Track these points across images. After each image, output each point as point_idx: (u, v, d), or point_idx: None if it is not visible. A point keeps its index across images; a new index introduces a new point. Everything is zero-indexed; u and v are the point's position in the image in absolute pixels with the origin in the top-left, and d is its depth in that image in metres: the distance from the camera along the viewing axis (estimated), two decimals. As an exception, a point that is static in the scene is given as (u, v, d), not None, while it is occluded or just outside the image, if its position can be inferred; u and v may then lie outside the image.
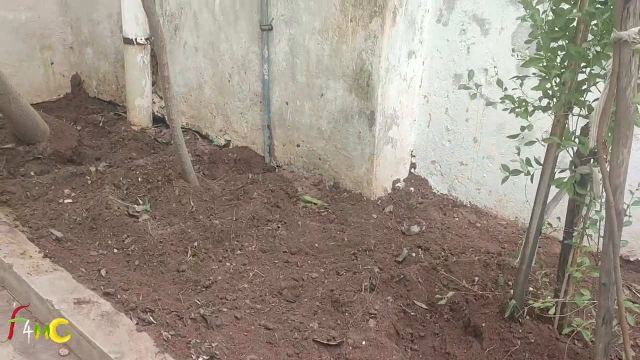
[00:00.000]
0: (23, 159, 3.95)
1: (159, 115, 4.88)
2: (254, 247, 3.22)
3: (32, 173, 3.86)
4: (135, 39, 4.46)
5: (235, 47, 4.01)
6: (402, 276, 2.83)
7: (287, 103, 3.84)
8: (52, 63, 5.29)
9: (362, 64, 3.33)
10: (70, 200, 3.60)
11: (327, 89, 3.57)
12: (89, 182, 3.83)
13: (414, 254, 3.14)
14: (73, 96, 5.53)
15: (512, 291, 2.77)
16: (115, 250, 3.14)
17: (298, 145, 3.90)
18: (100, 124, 4.84)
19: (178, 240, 3.17)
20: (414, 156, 3.79)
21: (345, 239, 3.27)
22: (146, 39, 4.51)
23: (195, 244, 3.15)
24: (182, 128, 4.56)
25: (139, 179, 3.88)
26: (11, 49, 4.98)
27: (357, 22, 3.28)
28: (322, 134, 3.71)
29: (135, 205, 3.59)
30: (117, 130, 4.73)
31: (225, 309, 2.66)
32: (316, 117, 3.70)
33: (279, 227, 3.41)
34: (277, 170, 4.05)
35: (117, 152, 4.39)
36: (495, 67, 3.23)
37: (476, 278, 2.92)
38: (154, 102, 4.83)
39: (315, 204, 3.69)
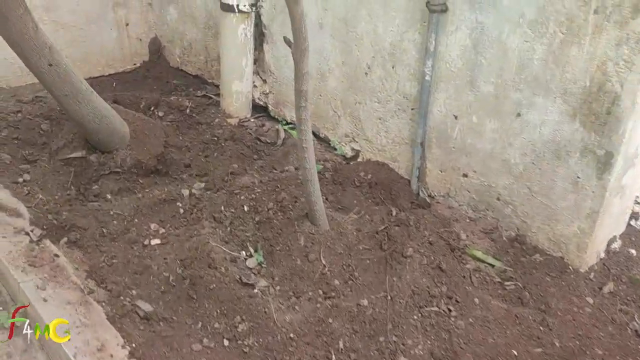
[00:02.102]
0: (96, 173, 3.01)
1: (260, 103, 3.82)
2: (421, 348, 2.22)
3: (108, 195, 2.93)
4: (237, 5, 3.35)
5: (381, 30, 2.85)
6: None
7: (455, 117, 2.71)
8: (127, 24, 4.27)
9: (603, 80, 2.14)
10: (158, 241, 2.67)
11: (529, 108, 2.41)
12: (181, 211, 2.87)
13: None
14: (151, 65, 4.52)
15: None
16: (226, 342, 2.21)
17: (465, 175, 2.79)
18: (187, 110, 3.83)
19: (315, 336, 2.20)
20: (638, 203, 2.62)
21: (557, 344, 2.22)
22: (251, 5, 3.40)
23: (340, 343, 2.18)
24: (291, 124, 3.53)
25: (245, 208, 2.90)
26: (78, 7, 3.98)
27: (605, 16, 2.06)
28: (509, 167, 2.58)
29: (244, 254, 2.63)
30: (208, 121, 3.72)
31: None
32: (503, 144, 2.56)
33: (450, 310, 2.38)
34: (428, 201, 2.96)
35: (210, 157, 3.40)
36: None
37: None
38: (254, 86, 3.77)
39: (491, 265, 2.63)
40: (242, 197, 2.96)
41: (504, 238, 2.75)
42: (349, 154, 3.32)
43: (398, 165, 3.09)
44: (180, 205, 2.90)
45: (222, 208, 2.88)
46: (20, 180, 3.00)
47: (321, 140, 3.52)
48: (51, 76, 2.44)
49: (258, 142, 3.58)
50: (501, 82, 2.47)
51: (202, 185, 3.02)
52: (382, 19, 2.83)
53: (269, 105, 3.76)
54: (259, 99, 3.81)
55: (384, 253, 2.66)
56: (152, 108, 3.88)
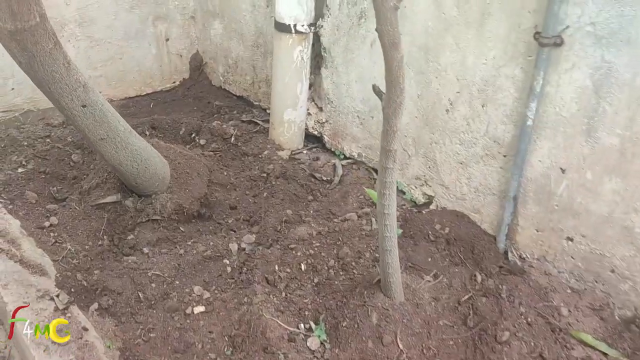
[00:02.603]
0: (132, 221, 2.62)
1: (314, 132, 3.40)
2: None
3: (145, 248, 2.54)
4: (294, 26, 2.93)
5: (471, 62, 2.39)
6: None
7: (562, 170, 2.23)
8: (167, 40, 3.88)
9: None
10: (202, 309, 2.27)
11: (668, 170, 1.93)
12: (229, 269, 2.47)
13: None
14: (191, 83, 4.14)
15: None
16: None
17: (570, 239, 2.31)
18: (232, 139, 3.43)
19: None
20: None
21: None
22: (310, 25, 2.97)
23: None
24: (350, 159, 3.10)
25: (302, 267, 2.49)
26: (115, 22, 3.60)
27: None
28: (632, 237, 2.10)
29: (303, 327, 2.22)
30: (255, 152, 3.31)
31: None
32: (626, 208, 2.09)
33: (562, 420, 1.92)
34: (521, 266, 2.49)
35: (259, 197, 2.99)
36: None
37: None
38: (308, 114, 3.35)
39: (604, 354, 2.15)
40: (299, 253, 2.54)
41: (617, 318, 2.27)
42: (420, 199, 2.87)
43: (481, 218, 2.63)
44: (228, 262, 2.49)
45: (276, 267, 2.46)
46: (47, 224, 2.64)
47: (386, 180, 3.07)
48: (85, 119, 2.05)
49: (312, 180, 3.15)
50: (630, 134, 1.99)
51: (253, 238, 2.60)
52: (474, 50, 2.36)
53: (324, 136, 3.33)
54: (312, 128, 3.38)
55: (470, 332, 2.21)
56: (193, 135, 3.49)
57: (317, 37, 3.08)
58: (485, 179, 2.54)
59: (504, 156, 2.42)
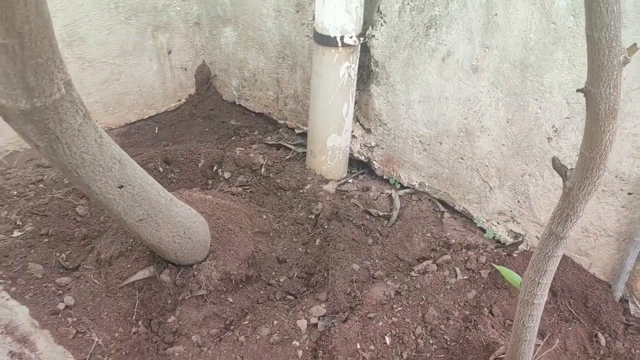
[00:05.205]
0: (172, 299, 2.11)
1: (360, 157, 2.91)
2: None
3: (193, 333, 2.03)
4: (342, 38, 2.41)
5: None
6: None
7: None
8: (169, 52, 3.31)
9: None
10: (280, 415, 1.80)
11: None
12: (300, 353, 2.00)
13: None
14: (199, 99, 3.58)
15: None
16: None
17: None
18: (262, 170, 2.92)
19: None
20: None
21: None
22: (358, 36, 2.46)
23: None
24: (409, 188, 2.64)
25: (387, 341, 2.05)
26: (109, 37, 3.02)
27: None
28: None
29: None
30: (293, 184, 2.81)
31: None
32: None
33: None
34: (649, 323, 2.09)
35: (311, 247, 2.51)
36: None
37: None
38: (353, 137, 2.86)
39: None
40: (380, 323, 2.09)
41: None
42: (507, 238, 2.43)
43: (589, 261, 2.21)
44: (298, 344, 2.02)
45: (358, 346, 2.00)
46: (62, 306, 2.11)
47: (457, 213, 2.62)
48: (123, 202, 1.53)
49: (368, 217, 2.68)
50: None
51: (323, 309, 2.13)
52: (593, 67, 1.90)
53: (373, 162, 2.85)
54: (358, 152, 2.89)
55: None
56: (215, 167, 2.98)
57: (364, 48, 2.58)
58: (599, 219, 2.11)
59: (629, 194, 1.99)
